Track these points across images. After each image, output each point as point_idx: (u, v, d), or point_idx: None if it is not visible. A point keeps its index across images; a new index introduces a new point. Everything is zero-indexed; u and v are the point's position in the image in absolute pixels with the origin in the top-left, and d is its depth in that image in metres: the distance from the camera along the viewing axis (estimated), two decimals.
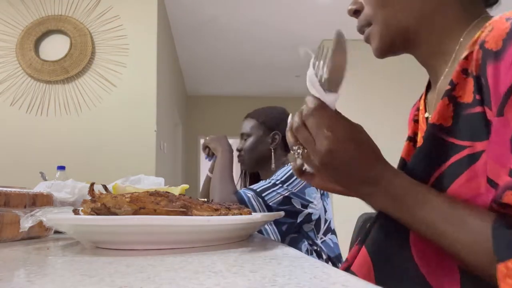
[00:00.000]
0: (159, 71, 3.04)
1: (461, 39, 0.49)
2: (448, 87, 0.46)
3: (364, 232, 0.57)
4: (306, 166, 0.55)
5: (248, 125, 1.35)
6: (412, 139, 0.60)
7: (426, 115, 0.57)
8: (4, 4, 2.89)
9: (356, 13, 0.57)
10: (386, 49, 0.55)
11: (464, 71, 0.44)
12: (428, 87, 0.60)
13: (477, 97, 0.42)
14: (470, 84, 0.43)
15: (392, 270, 0.48)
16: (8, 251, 0.48)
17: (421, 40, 0.53)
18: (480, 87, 0.41)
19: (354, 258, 0.57)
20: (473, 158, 0.42)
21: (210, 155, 1.35)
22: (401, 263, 0.47)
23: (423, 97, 0.60)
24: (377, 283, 0.48)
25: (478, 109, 0.42)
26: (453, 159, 0.44)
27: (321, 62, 0.46)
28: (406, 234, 0.47)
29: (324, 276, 0.31)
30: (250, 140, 1.33)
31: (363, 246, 0.53)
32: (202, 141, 1.37)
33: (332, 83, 0.45)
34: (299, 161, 0.56)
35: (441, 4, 0.51)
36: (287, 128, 0.51)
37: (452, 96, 0.45)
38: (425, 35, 0.52)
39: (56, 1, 2.93)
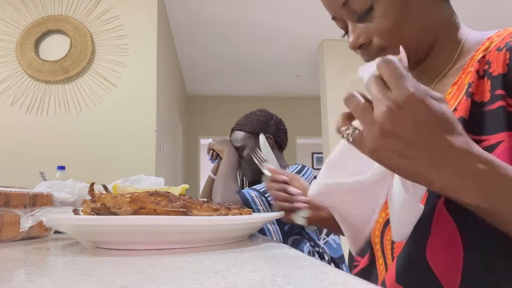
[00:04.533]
0: (159, 71, 3.04)
1: (460, 48, 0.56)
2: (466, 85, 0.51)
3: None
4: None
5: (238, 138, 1.36)
6: None
7: None
8: (4, 4, 2.89)
9: (361, 47, 0.56)
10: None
11: (477, 72, 0.50)
12: None
13: (499, 92, 0.46)
14: (485, 84, 0.49)
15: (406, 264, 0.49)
16: (8, 251, 0.48)
17: (430, 54, 0.57)
18: (505, 83, 0.46)
19: (364, 262, 0.59)
20: (488, 149, 0.45)
21: (214, 157, 1.37)
22: (412, 253, 0.48)
23: None
24: (396, 276, 0.49)
25: (498, 103, 0.46)
26: None
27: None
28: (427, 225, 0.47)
29: (324, 276, 0.31)
30: (246, 152, 1.34)
31: (393, 260, 0.53)
32: (202, 141, 1.40)
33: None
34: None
35: (447, 27, 0.57)
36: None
37: (469, 93, 0.50)
38: (435, 50, 0.57)
39: (56, 1, 2.93)
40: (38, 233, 0.65)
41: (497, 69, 0.48)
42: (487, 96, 0.48)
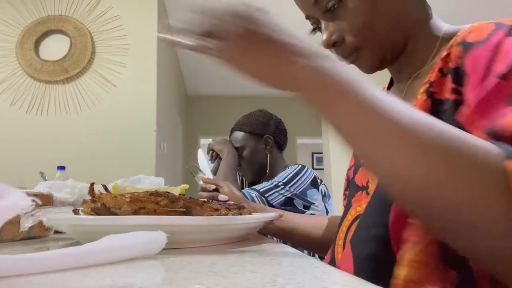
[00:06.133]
0: (159, 71, 3.04)
1: (437, 44, 0.54)
2: (427, 85, 0.51)
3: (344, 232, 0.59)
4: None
5: (238, 138, 1.36)
6: None
7: None
8: (4, 4, 2.89)
9: (335, 45, 0.56)
10: (379, 66, 0.57)
11: (440, 70, 0.50)
12: (389, 85, 0.65)
13: (452, 85, 0.46)
14: (447, 82, 0.48)
15: (370, 265, 0.50)
16: (8, 251, 0.48)
17: (406, 49, 0.57)
18: (457, 77, 0.46)
19: (327, 259, 0.61)
20: None
21: (214, 157, 1.37)
22: (381, 259, 0.48)
23: None
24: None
25: (452, 97, 0.46)
26: None
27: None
28: (385, 228, 0.48)
29: (324, 276, 0.31)
30: (246, 153, 1.34)
31: (348, 242, 0.55)
32: (202, 141, 1.41)
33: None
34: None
35: (420, 18, 0.55)
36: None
37: (429, 92, 0.50)
38: (411, 44, 0.56)
39: (56, 1, 2.93)
40: (38, 233, 0.65)
41: (453, 63, 0.48)
42: (448, 94, 0.48)
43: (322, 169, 4.73)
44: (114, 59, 2.88)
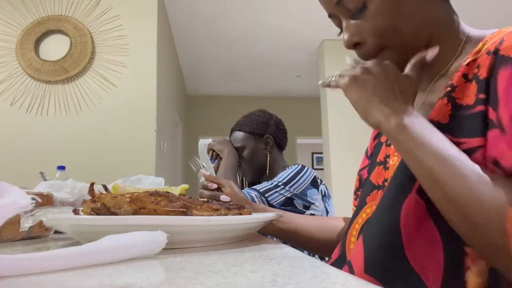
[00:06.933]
0: (159, 71, 3.04)
1: (460, 48, 0.55)
2: (448, 88, 0.51)
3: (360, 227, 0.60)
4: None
5: (238, 138, 1.36)
6: (377, 138, 0.68)
7: None
8: (4, 4, 2.89)
9: (356, 45, 0.57)
10: (403, 68, 0.57)
11: (465, 76, 0.50)
12: None
13: (481, 96, 0.46)
14: (472, 87, 0.48)
15: (379, 253, 0.51)
16: (8, 251, 0.48)
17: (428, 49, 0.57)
18: (487, 88, 0.46)
19: (335, 255, 0.62)
20: (468, 152, 0.45)
21: (214, 157, 1.37)
22: (389, 247, 0.50)
23: None
24: (365, 267, 0.51)
25: (479, 108, 0.46)
26: None
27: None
28: (397, 217, 0.49)
29: (324, 276, 0.31)
30: (246, 153, 1.34)
31: (361, 236, 0.55)
32: (202, 141, 1.40)
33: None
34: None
35: (445, 24, 0.55)
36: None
37: (451, 96, 0.50)
38: (434, 43, 0.55)
39: (56, 1, 2.93)
40: (38, 233, 0.65)
41: (483, 73, 0.47)
42: (472, 99, 0.47)
43: (322, 169, 4.73)
44: (114, 59, 2.88)
